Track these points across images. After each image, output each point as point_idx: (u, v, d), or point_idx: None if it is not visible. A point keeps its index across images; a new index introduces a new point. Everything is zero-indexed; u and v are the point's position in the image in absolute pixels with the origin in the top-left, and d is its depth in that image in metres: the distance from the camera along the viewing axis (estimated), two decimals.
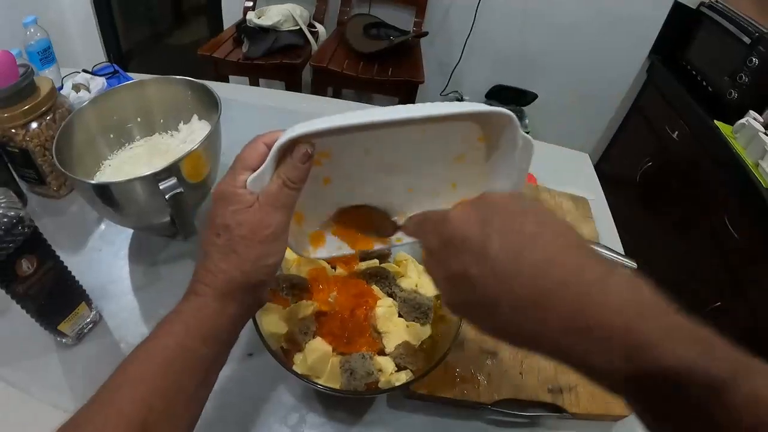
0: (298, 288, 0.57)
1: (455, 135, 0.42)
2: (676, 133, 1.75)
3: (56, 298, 0.60)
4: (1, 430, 0.58)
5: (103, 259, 0.77)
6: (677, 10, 1.93)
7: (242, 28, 1.94)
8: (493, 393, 0.60)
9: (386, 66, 1.86)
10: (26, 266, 0.54)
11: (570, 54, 2.16)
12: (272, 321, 0.53)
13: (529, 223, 0.31)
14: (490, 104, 1.77)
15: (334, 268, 0.61)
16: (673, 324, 0.27)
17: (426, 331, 0.56)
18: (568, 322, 0.28)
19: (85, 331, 0.66)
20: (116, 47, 2.69)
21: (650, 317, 0.27)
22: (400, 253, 0.65)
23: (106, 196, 0.64)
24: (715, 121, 1.54)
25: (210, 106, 0.76)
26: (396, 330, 0.54)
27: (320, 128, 0.36)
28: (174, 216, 0.64)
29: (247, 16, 1.96)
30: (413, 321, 0.56)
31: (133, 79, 0.84)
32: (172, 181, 0.61)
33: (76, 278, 0.63)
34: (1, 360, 0.63)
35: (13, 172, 0.84)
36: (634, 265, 0.78)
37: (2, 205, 0.51)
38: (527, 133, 1.69)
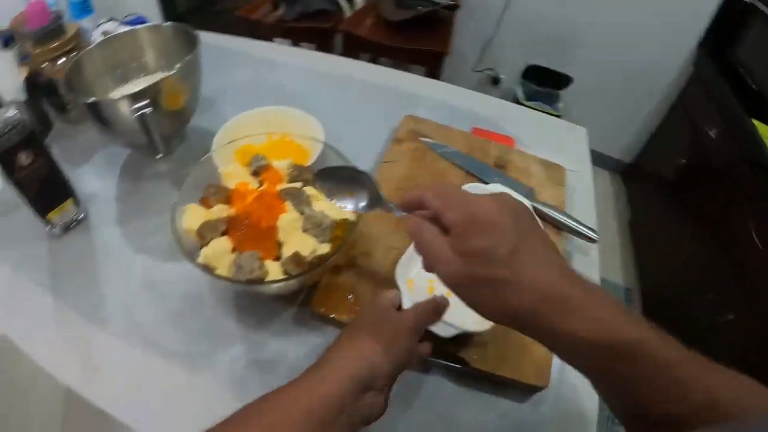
0: (222, 195, 0.66)
1: None
2: (714, 131, 1.66)
3: (47, 189, 0.74)
4: None
5: (99, 172, 0.91)
6: (730, 2, 1.81)
7: None
8: None
9: (414, 35, 1.89)
10: (24, 158, 0.68)
11: (612, 38, 2.07)
12: (192, 219, 0.63)
13: (540, 233, 0.39)
14: (524, 84, 1.69)
15: (260, 185, 0.70)
16: (630, 314, 0.35)
17: (323, 248, 0.62)
18: (560, 309, 0.35)
19: (72, 225, 0.80)
20: (171, 9, 2.87)
21: (620, 324, 0.34)
22: None
23: (96, 113, 0.77)
24: (754, 121, 1.45)
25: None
26: (294, 241, 0.62)
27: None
28: (144, 133, 0.75)
29: None
30: (312, 236, 0.63)
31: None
32: (142, 102, 0.73)
33: (69, 180, 0.77)
34: (3, 244, 0.79)
35: (44, 100, 0.99)
36: (595, 236, 0.78)
37: (12, 111, 0.67)
38: (558, 116, 1.61)
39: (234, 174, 0.69)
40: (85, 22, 1.22)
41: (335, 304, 0.67)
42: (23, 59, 1.01)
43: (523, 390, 0.62)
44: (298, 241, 0.61)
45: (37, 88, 0.97)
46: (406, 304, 0.55)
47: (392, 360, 0.45)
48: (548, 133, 1.06)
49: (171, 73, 0.76)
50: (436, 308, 0.51)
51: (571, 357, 0.37)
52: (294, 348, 0.66)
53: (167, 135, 0.84)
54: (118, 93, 0.92)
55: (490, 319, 0.39)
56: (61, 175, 0.76)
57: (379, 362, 0.44)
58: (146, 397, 0.62)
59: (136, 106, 0.72)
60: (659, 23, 1.97)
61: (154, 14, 2.58)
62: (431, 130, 0.96)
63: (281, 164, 0.71)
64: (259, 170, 0.70)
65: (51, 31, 0.92)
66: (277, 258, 0.62)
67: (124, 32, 0.93)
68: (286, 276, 0.59)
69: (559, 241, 0.78)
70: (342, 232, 0.64)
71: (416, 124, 0.97)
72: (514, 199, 0.40)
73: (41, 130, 0.97)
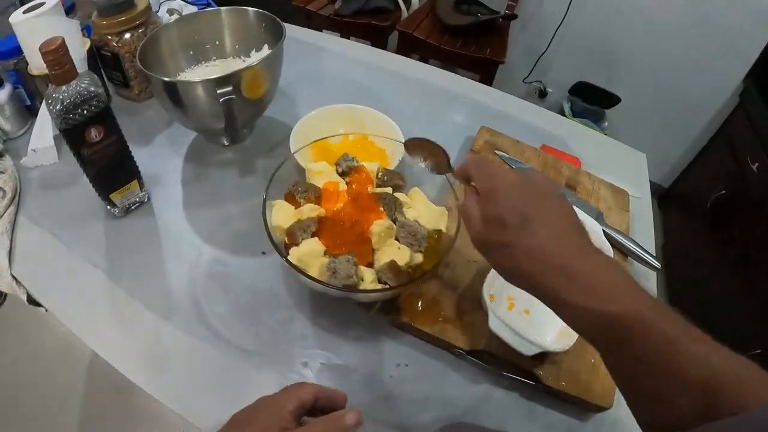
0: (311, 194, 0.63)
1: None
2: (756, 165, 1.63)
3: (113, 169, 0.70)
4: (45, 277, 0.70)
5: (163, 154, 0.88)
6: None
7: None
8: (473, 341, 0.61)
9: (471, 41, 1.87)
10: (94, 134, 0.64)
11: (662, 62, 2.05)
12: (280, 215, 0.60)
13: (563, 208, 0.41)
14: (572, 100, 1.73)
15: (348, 185, 0.66)
16: (638, 290, 0.36)
17: (417, 257, 0.60)
18: (561, 278, 0.37)
19: (133, 207, 0.77)
20: None
21: (619, 296, 0.36)
22: (416, 188, 0.69)
23: (173, 93, 0.74)
24: None
25: (280, 38, 0.82)
26: (388, 250, 0.59)
27: None
28: (226, 120, 0.72)
29: None
30: (407, 246, 0.60)
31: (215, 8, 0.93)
32: (228, 88, 0.69)
33: (136, 161, 0.74)
34: (59, 222, 0.76)
35: (104, 74, 0.96)
36: (657, 265, 0.76)
37: (85, 81, 0.61)
38: (605, 134, 1.61)
39: (322, 172, 0.66)
40: None
41: (416, 314, 0.64)
42: (84, 29, 0.98)
43: (587, 409, 0.60)
44: (394, 250, 0.58)
45: (101, 61, 0.94)
46: (491, 318, 0.57)
47: None
48: (610, 155, 1.04)
49: (258, 61, 0.73)
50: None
51: (576, 326, 0.38)
52: (370, 355, 0.63)
53: (243, 124, 0.81)
54: (190, 74, 0.89)
55: (507, 280, 0.42)
56: (129, 155, 0.72)
57: None
58: (210, 393, 0.59)
59: (223, 90, 0.69)
60: (709, 52, 1.94)
61: None
62: (506, 144, 0.94)
63: (371, 166, 0.68)
64: (348, 171, 0.67)
65: (120, 3, 0.88)
66: (369, 264, 0.59)
67: (206, 12, 0.90)
68: (386, 286, 0.56)
69: (624, 267, 0.76)
70: (435, 243, 0.61)
71: (492, 136, 0.94)
72: (541, 178, 0.43)
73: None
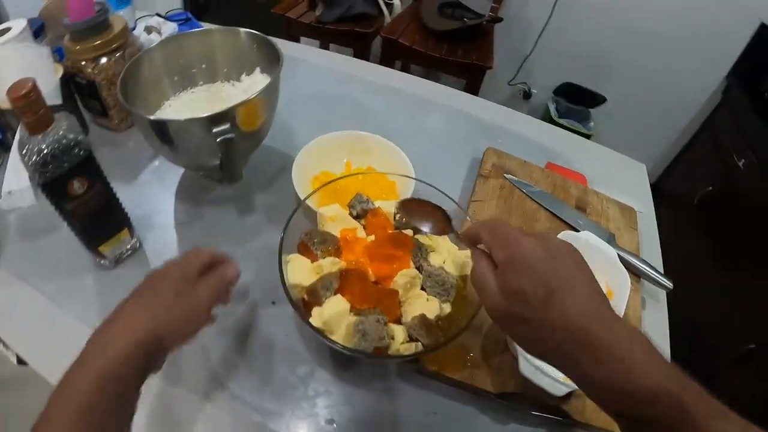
0: (329, 244, 0.58)
1: None
2: (743, 161, 1.65)
3: (101, 220, 0.64)
4: (34, 338, 0.63)
5: (152, 192, 0.81)
6: (763, 32, 1.80)
7: None
8: (502, 384, 0.60)
9: (456, 47, 1.83)
10: (77, 186, 0.57)
11: (645, 61, 2.07)
12: (298, 272, 0.55)
13: (582, 270, 0.39)
14: (557, 101, 1.77)
15: (365, 228, 0.62)
16: (656, 359, 0.35)
17: (445, 308, 0.56)
18: (586, 354, 0.35)
19: (124, 256, 0.70)
20: None
21: (646, 372, 0.34)
22: None
23: (162, 132, 0.67)
24: None
25: (273, 60, 0.77)
26: (416, 302, 0.55)
27: None
28: (222, 160, 0.66)
29: None
30: (434, 296, 0.56)
31: (203, 28, 0.86)
32: (226, 126, 0.63)
33: (124, 206, 0.67)
34: (43, 274, 0.68)
35: (79, 102, 0.88)
36: (669, 285, 0.76)
37: (63, 127, 0.54)
38: (590, 136, 1.69)
39: (335, 217, 0.61)
40: (123, 14, 1.10)
41: (443, 361, 0.60)
42: (54, 51, 0.90)
43: None
44: (422, 302, 0.54)
45: (75, 90, 0.87)
46: (522, 362, 0.55)
47: (184, 336, 0.47)
48: (612, 168, 1.03)
49: (257, 93, 0.67)
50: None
51: (600, 401, 0.37)
52: (398, 406, 0.59)
53: (241, 161, 0.75)
54: (176, 102, 0.83)
55: (526, 351, 0.41)
56: (118, 203, 0.66)
57: (171, 342, 0.45)
58: None
59: (220, 129, 0.63)
60: (692, 50, 1.96)
61: (177, 3, 2.48)
62: (514, 166, 0.91)
63: (386, 206, 0.63)
64: (363, 213, 0.62)
65: (95, 25, 0.80)
66: (397, 319, 0.54)
67: (193, 33, 0.83)
68: (419, 345, 0.51)
69: (636, 288, 0.76)
70: (462, 290, 0.57)
71: (499, 158, 0.91)
72: (558, 240, 0.41)
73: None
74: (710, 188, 1.80)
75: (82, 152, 0.56)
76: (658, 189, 2.22)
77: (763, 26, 1.79)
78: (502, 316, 0.40)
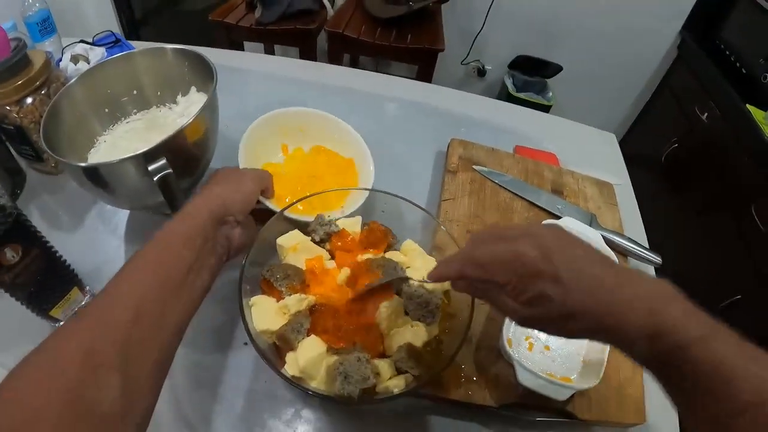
0: (293, 279, 0.53)
1: None
2: (706, 114, 1.66)
3: (46, 285, 0.57)
4: None
5: (100, 238, 0.74)
6: None
7: None
8: (502, 395, 0.57)
9: (405, 33, 1.78)
10: (10, 255, 0.51)
11: (598, 25, 2.06)
12: (263, 316, 0.49)
13: (576, 249, 0.40)
14: (513, 75, 1.75)
15: (332, 257, 0.57)
16: (686, 308, 0.36)
17: (432, 331, 0.52)
18: (616, 316, 0.37)
19: None
20: (129, 13, 2.63)
21: (668, 303, 0.37)
22: (407, 241, 0.61)
23: (95, 177, 0.60)
24: (748, 105, 1.46)
25: (208, 77, 0.70)
26: (400, 330, 0.50)
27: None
28: (165, 197, 0.60)
29: None
30: (419, 320, 0.52)
31: (134, 48, 0.79)
32: (161, 162, 0.57)
33: (69, 262, 0.61)
34: None
35: (11, 149, 0.81)
36: (658, 260, 0.75)
37: None
38: (550, 107, 1.68)
39: (296, 246, 0.55)
40: (48, 45, 1.03)
41: (437, 382, 0.56)
42: None
43: (623, 427, 0.60)
44: (407, 330, 0.50)
45: (4, 136, 0.79)
46: (519, 371, 0.54)
47: (240, 198, 0.54)
48: (583, 142, 1.02)
49: (191, 118, 0.60)
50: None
51: (632, 354, 0.38)
52: None
53: (185, 189, 0.69)
54: (110, 138, 0.76)
55: (557, 336, 0.44)
56: (61, 263, 0.59)
57: (230, 199, 0.53)
58: None
59: (155, 167, 0.56)
60: (644, 8, 1.96)
61: (112, 23, 2.36)
62: (481, 156, 0.87)
63: (351, 224, 0.58)
64: (327, 237, 0.57)
65: (13, 65, 0.72)
66: (381, 353, 0.50)
67: (113, 59, 0.75)
68: (409, 377, 0.47)
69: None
70: (446, 306, 0.53)
71: (465, 149, 0.87)
72: (544, 230, 0.42)
73: (12, 190, 0.80)
74: (676, 145, 1.81)
75: (8, 217, 0.50)
76: (624, 152, 2.22)
77: None
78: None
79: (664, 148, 1.85)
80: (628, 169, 0.98)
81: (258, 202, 0.58)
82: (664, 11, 1.92)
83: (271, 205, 0.62)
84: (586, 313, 0.37)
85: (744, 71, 1.61)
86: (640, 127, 2.21)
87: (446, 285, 0.54)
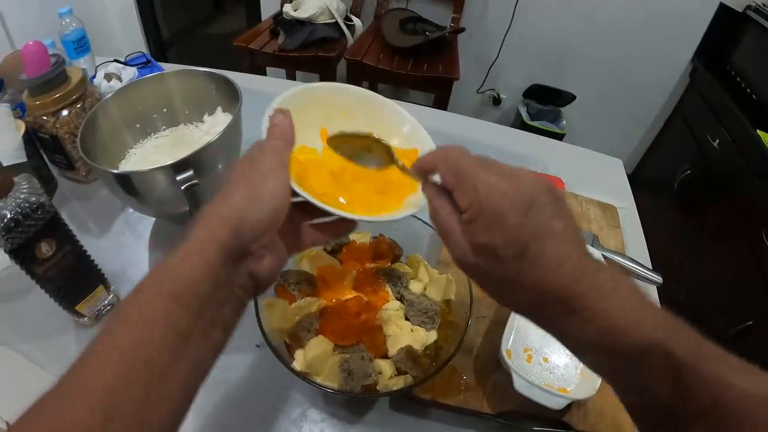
0: (306, 284, 0.57)
1: None
2: (717, 141, 1.68)
3: (75, 280, 0.62)
4: (19, 403, 0.60)
5: (125, 243, 0.79)
6: (723, 12, 1.84)
7: (279, 20, 1.96)
8: (499, 404, 0.59)
9: (421, 62, 1.84)
10: (45, 249, 0.56)
11: (610, 54, 2.10)
12: (276, 316, 0.53)
13: (557, 223, 0.33)
14: (527, 103, 1.78)
15: (341, 262, 0.61)
16: (644, 308, 0.32)
17: (431, 336, 0.55)
18: (568, 312, 0.32)
19: (103, 312, 0.68)
20: (156, 36, 2.76)
21: (627, 305, 0.32)
22: (413, 254, 0.65)
23: (126, 184, 0.66)
24: (758, 131, 1.48)
25: (234, 98, 0.76)
26: (401, 333, 0.54)
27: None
28: (190, 207, 0.65)
29: (284, 8, 1.97)
30: (419, 325, 0.55)
31: (164, 70, 0.85)
32: (189, 173, 0.62)
33: (97, 262, 0.65)
34: (22, 336, 0.66)
35: (45, 157, 0.87)
36: (659, 279, 0.76)
37: (24, 190, 0.53)
38: (563, 135, 1.69)
39: (311, 254, 0.59)
40: (83, 62, 1.10)
41: (436, 388, 0.58)
42: (16, 107, 0.88)
43: None
44: (406, 333, 0.53)
45: (40, 145, 0.85)
46: (516, 379, 0.54)
47: (262, 207, 0.35)
48: (589, 168, 1.04)
49: (217, 136, 0.66)
50: (280, 130, 0.42)
51: (581, 357, 0.35)
52: None
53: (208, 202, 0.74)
54: (140, 150, 0.81)
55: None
56: (90, 261, 0.64)
57: (248, 216, 0.34)
58: None
59: (183, 177, 0.62)
60: (656, 37, 2.00)
61: (140, 45, 2.47)
62: None
63: (360, 236, 0.62)
64: (338, 248, 0.60)
65: (52, 79, 0.79)
66: (383, 354, 0.53)
67: (148, 78, 0.81)
68: (413, 380, 0.50)
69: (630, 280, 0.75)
70: (446, 315, 0.56)
71: None
72: (532, 179, 0.34)
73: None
74: (689, 171, 1.82)
75: (46, 214, 0.54)
76: (637, 179, 2.28)
77: (722, 6, 1.83)
78: (472, 271, 0.36)
79: (677, 175, 1.87)
80: (641, 195, 1.00)
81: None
82: (676, 39, 1.96)
83: (322, 204, 0.39)
84: (535, 290, 0.33)
85: (754, 97, 1.63)
86: (653, 154, 2.23)
87: (446, 293, 0.57)
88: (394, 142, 0.50)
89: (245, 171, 0.37)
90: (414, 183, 0.42)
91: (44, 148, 0.86)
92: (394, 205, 0.43)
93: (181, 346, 0.30)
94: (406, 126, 0.52)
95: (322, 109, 0.51)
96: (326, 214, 0.39)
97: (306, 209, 0.39)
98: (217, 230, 0.33)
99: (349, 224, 0.42)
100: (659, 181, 2.05)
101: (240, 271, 0.35)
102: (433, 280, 0.60)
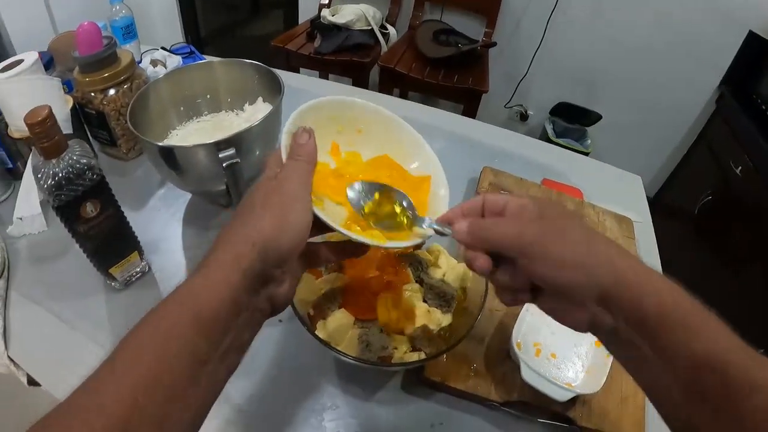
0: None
1: None
2: (740, 168, 1.67)
3: (112, 243, 0.66)
4: (46, 359, 0.64)
5: (160, 218, 0.83)
6: (752, 39, 1.84)
7: (316, 23, 2.02)
8: (506, 392, 0.60)
9: (452, 73, 1.88)
10: (90, 209, 0.60)
11: (638, 77, 2.11)
12: (303, 288, 0.57)
13: (571, 221, 0.39)
14: (554, 121, 1.78)
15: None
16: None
17: (446, 319, 0.58)
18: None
19: (134, 278, 0.72)
20: (195, 31, 2.85)
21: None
22: (435, 244, 0.67)
23: (170, 158, 0.70)
24: None
25: (275, 90, 0.80)
26: (418, 313, 0.56)
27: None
28: (229, 185, 0.69)
29: (322, 13, 2.03)
30: (436, 308, 0.58)
31: (205, 60, 0.90)
32: (231, 151, 0.66)
33: (133, 230, 0.70)
34: (55, 296, 0.71)
35: (88, 132, 0.92)
36: None
37: (77, 152, 0.57)
38: (587, 154, 1.70)
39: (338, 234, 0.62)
40: (129, 48, 1.15)
41: (447, 371, 0.61)
42: (63, 84, 0.93)
43: None
44: (423, 314, 0.56)
45: (85, 120, 0.90)
46: (524, 369, 0.57)
47: (290, 235, 0.36)
48: (608, 182, 1.06)
49: (259, 121, 0.70)
50: (306, 151, 0.42)
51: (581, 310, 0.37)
52: (404, 417, 0.60)
53: (246, 185, 0.78)
54: (182, 131, 0.86)
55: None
56: (128, 226, 0.68)
57: (272, 243, 0.35)
58: None
59: (226, 155, 0.66)
60: (683, 62, 2.01)
61: (178, 39, 2.56)
62: (510, 183, 0.93)
63: None
64: None
65: (104, 58, 0.84)
66: (400, 330, 0.56)
67: (197, 64, 0.87)
68: (426, 355, 0.53)
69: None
70: (462, 301, 0.59)
71: (495, 176, 0.94)
72: (556, 204, 0.40)
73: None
74: (710, 197, 1.82)
75: (94, 176, 0.58)
76: (658, 202, 2.28)
77: (751, 33, 1.83)
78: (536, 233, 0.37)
79: (699, 200, 1.86)
80: (663, 219, 1.01)
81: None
82: (703, 65, 1.96)
83: (345, 231, 0.41)
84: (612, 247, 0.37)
85: None
86: (675, 179, 2.22)
87: (464, 280, 0.60)
88: (411, 166, 0.54)
89: (270, 192, 0.38)
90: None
91: (89, 124, 0.91)
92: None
93: (198, 371, 0.31)
94: (417, 148, 0.55)
95: (334, 125, 0.53)
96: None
97: (317, 225, 0.39)
98: (243, 256, 0.33)
99: (363, 246, 0.43)
100: (681, 206, 2.05)
101: (261, 296, 0.36)
102: (451, 268, 0.62)
